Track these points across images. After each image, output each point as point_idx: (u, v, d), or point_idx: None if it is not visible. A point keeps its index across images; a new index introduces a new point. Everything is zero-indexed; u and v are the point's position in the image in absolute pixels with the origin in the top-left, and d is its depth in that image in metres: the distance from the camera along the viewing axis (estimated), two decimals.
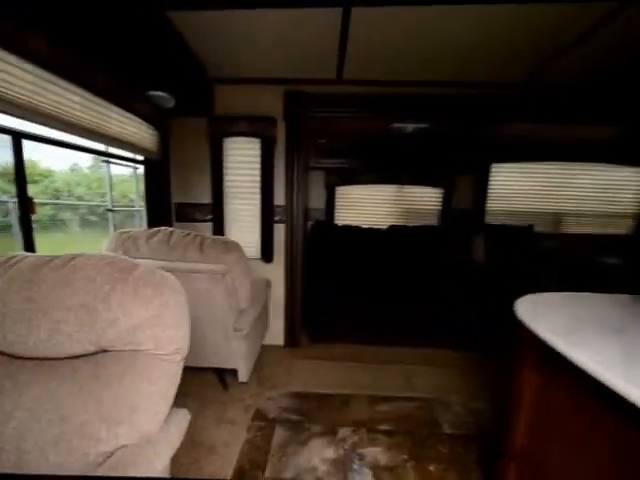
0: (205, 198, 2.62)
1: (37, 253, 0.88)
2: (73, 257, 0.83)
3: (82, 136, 1.64)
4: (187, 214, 2.67)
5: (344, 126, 2.95)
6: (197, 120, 2.51)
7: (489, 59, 1.99)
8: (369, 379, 2.24)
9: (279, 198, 2.59)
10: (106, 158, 2.27)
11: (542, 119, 2.42)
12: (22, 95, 1.28)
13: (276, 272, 2.66)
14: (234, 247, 1.67)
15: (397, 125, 2.71)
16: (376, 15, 1.55)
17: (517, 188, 3.56)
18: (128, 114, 1.99)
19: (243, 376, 1.92)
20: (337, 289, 2.75)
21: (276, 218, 2.62)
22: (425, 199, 3.64)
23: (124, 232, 1.70)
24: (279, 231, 2.62)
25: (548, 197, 3.58)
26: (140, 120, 2.13)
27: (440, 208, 3.60)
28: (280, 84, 2.41)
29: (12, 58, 1.23)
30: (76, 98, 1.58)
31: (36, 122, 1.36)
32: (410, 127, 2.72)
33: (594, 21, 1.57)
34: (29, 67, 1.30)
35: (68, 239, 3.15)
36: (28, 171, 1.39)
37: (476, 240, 3.46)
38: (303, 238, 2.68)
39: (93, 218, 3.93)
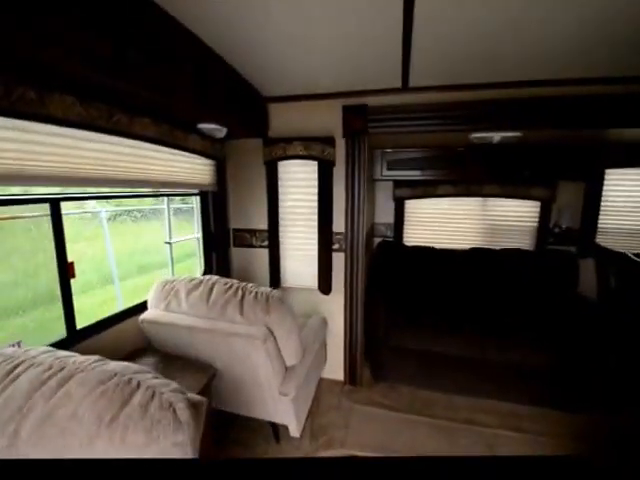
0: (262, 224, 2.52)
1: (40, 366, 0.77)
2: (70, 376, 0.72)
3: (131, 186, 1.61)
4: (244, 240, 2.60)
5: (414, 139, 2.57)
6: (253, 142, 2.39)
7: (602, 50, 1.45)
8: (442, 445, 1.89)
9: (339, 224, 2.35)
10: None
11: None
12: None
13: (335, 303, 2.44)
14: (277, 305, 1.47)
15: (479, 135, 2.23)
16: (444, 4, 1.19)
17: None
18: (180, 152, 1.93)
19: (294, 431, 1.76)
20: (405, 321, 2.42)
21: (335, 246, 2.39)
22: (516, 214, 3.02)
23: (167, 282, 1.64)
24: (339, 259, 2.39)
25: None
26: (193, 155, 2.07)
27: (536, 225, 2.96)
28: (338, 98, 2.15)
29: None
30: (127, 150, 1.54)
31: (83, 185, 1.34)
32: (497, 137, 2.21)
33: None
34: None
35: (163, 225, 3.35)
36: None
37: (584, 266, 2.78)
38: (365, 267, 2.40)
39: (185, 207, 4.34)
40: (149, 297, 1.65)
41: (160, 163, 1.80)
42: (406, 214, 3.28)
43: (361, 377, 2.46)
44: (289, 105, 2.27)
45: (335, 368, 2.50)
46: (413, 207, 3.26)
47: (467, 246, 3.02)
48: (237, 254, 2.64)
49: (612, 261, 2.56)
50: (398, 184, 3.18)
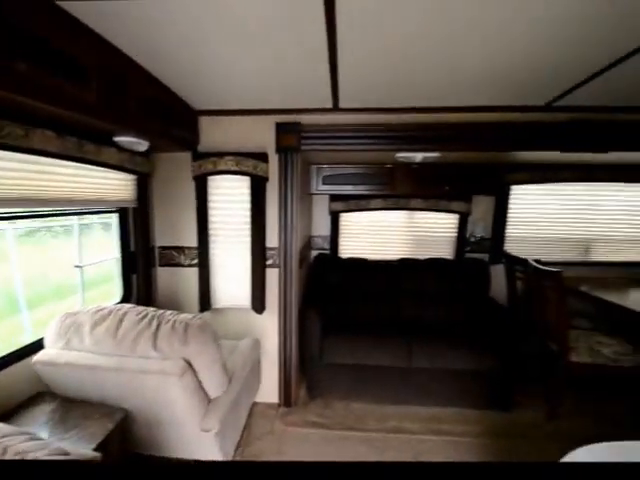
0: (191, 241, 2.37)
1: None
2: None
3: (27, 206, 1.40)
4: (171, 258, 2.43)
5: (347, 156, 2.64)
6: (183, 155, 2.26)
7: (509, 83, 1.65)
8: (371, 459, 1.93)
9: (272, 239, 2.31)
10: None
11: (569, 147, 2.07)
12: None
13: (270, 322, 2.39)
14: (196, 334, 1.37)
15: (403, 155, 2.38)
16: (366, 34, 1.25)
17: (540, 212, 3.17)
18: (91, 167, 1.74)
19: None
20: (340, 336, 2.45)
21: (269, 262, 2.34)
22: (439, 226, 3.27)
23: (69, 315, 1.44)
24: (272, 276, 2.34)
25: (575, 222, 3.17)
26: (109, 170, 1.88)
27: (456, 235, 3.23)
28: (272, 114, 2.13)
29: None
30: (19, 166, 1.33)
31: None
32: (419, 157, 2.38)
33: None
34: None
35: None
36: None
37: (494, 272, 3.10)
38: (299, 282, 2.40)
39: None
40: (46, 334, 1.43)
41: (64, 179, 1.59)
42: (341, 227, 3.36)
43: (296, 397, 2.43)
44: (222, 119, 2.19)
45: (270, 390, 2.44)
46: (348, 220, 3.35)
47: (397, 256, 3.18)
48: (163, 275, 2.45)
49: (517, 266, 2.88)
50: (334, 198, 3.25)
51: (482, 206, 3.18)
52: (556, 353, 2.30)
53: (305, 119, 2.12)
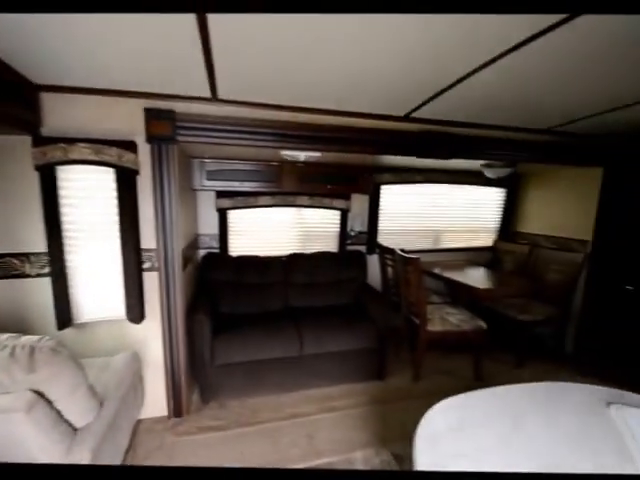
0: (38, 245, 1.95)
1: None
2: None
3: None
4: (11, 268, 1.95)
5: (233, 151, 2.58)
6: (15, 140, 1.82)
7: (374, 95, 1.88)
8: (267, 449, 1.97)
9: (149, 240, 2.09)
10: None
11: (421, 153, 2.48)
12: None
13: (151, 331, 2.16)
14: (47, 358, 1.14)
15: (288, 153, 2.47)
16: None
17: (403, 208, 3.74)
18: None
19: None
20: (231, 335, 2.39)
21: (146, 265, 2.11)
22: (323, 222, 3.51)
23: None
24: (152, 280, 2.12)
25: (427, 216, 3.85)
26: None
27: (338, 230, 3.52)
28: (141, 98, 1.90)
29: None
30: None
31: None
32: (302, 155, 2.51)
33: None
34: None
35: None
36: None
37: (371, 261, 3.51)
38: (185, 284, 2.24)
39: None
40: None
41: None
42: (230, 224, 3.26)
43: (188, 405, 2.28)
44: (75, 98, 1.83)
45: (157, 403, 2.22)
46: (236, 217, 3.28)
47: (287, 252, 3.28)
48: (2, 290, 1.94)
49: (387, 255, 3.34)
50: (220, 195, 3.12)
51: (359, 204, 3.55)
52: (418, 325, 2.76)
53: (181, 107, 1.97)
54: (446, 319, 2.77)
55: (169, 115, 1.96)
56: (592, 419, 1.12)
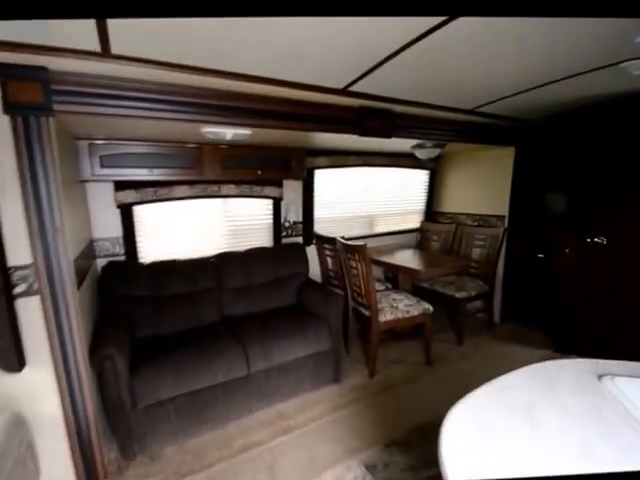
0: None
1: None
2: None
3: None
4: None
5: (135, 129, 1.99)
6: None
7: (310, 63, 1.58)
8: None
9: (20, 252, 1.46)
10: None
11: (363, 131, 2.30)
12: None
13: (39, 379, 1.55)
14: None
15: (211, 130, 2.00)
16: None
17: (338, 194, 3.57)
18: None
19: None
20: (156, 364, 1.88)
21: (20, 289, 1.48)
22: (254, 214, 3.10)
23: None
24: (31, 309, 1.50)
25: (362, 202, 3.76)
26: None
27: (271, 222, 3.16)
28: None
29: None
30: None
31: None
32: (229, 133, 2.07)
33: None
34: None
35: None
36: None
37: (307, 252, 3.25)
38: (84, 308, 1.66)
39: None
40: None
41: None
42: (138, 223, 2.62)
43: (105, 469, 1.71)
44: None
45: (60, 475, 1.62)
46: (146, 213, 2.65)
47: (215, 251, 2.80)
48: None
49: (328, 245, 3.12)
50: (121, 186, 2.46)
51: (292, 191, 3.23)
52: (368, 317, 2.62)
53: (57, 64, 1.38)
54: (395, 306, 2.69)
55: (39, 74, 1.36)
56: (594, 396, 1.09)
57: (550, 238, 3.09)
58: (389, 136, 2.43)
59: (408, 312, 2.65)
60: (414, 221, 4.24)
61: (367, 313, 2.65)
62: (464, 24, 1.21)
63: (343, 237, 2.84)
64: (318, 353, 2.37)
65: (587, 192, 2.73)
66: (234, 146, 2.62)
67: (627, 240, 2.51)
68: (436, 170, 4.12)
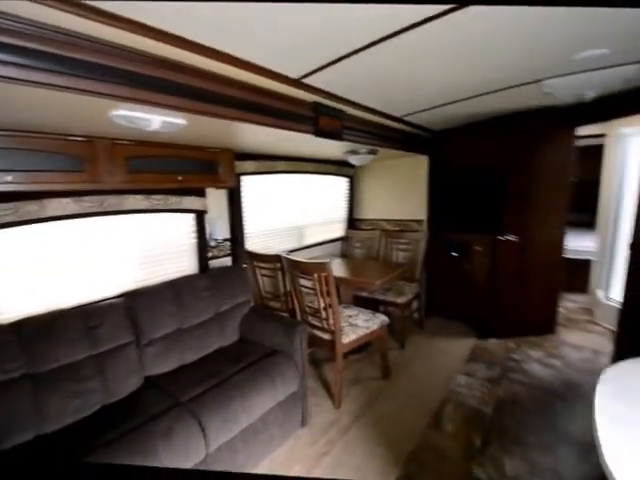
0: None
1: None
2: None
3: None
4: None
5: None
6: None
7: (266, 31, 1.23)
8: None
9: None
10: None
11: (317, 131, 2.04)
12: None
13: None
14: None
15: (127, 114, 1.35)
16: None
17: (269, 204, 3.13)
18: None
19: None
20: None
21: None
22: (173, 233, 2.36)
23: None
24: None
25: (292, 212, 3.43)
26: None
27: (195, 241, 2.48)
28: None
29: None
30: None
31: None
32: (156, 121, 1.44)
33: None
34: None
35: None
36: None
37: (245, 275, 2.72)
38: None
39: None
40: None
41: None
42: None
43: None
44: None
45: None
46: (6, 242, 1.69)
47: (119, 290, 2.01)
48: None
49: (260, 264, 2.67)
50: None
51: (217, 202, 2.64)
52: (330, 341, 2.29)
53: None
54: (355, 324, 2.44)
55: None
56: None
57: (462, 239, 3.43)
58: (341, 138, 2.22)
59: (368, 328, 2.44)
60: (339, 230, 4.12)
61: (327, 337, 2.32)
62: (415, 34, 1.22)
63: (288, 252, 2.45)
64: (288, 397, 1.92)
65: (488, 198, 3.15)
66: (143, 143, 1.94)
67: (531, 236, 2.95)
68: (353, 177, 4.11)
